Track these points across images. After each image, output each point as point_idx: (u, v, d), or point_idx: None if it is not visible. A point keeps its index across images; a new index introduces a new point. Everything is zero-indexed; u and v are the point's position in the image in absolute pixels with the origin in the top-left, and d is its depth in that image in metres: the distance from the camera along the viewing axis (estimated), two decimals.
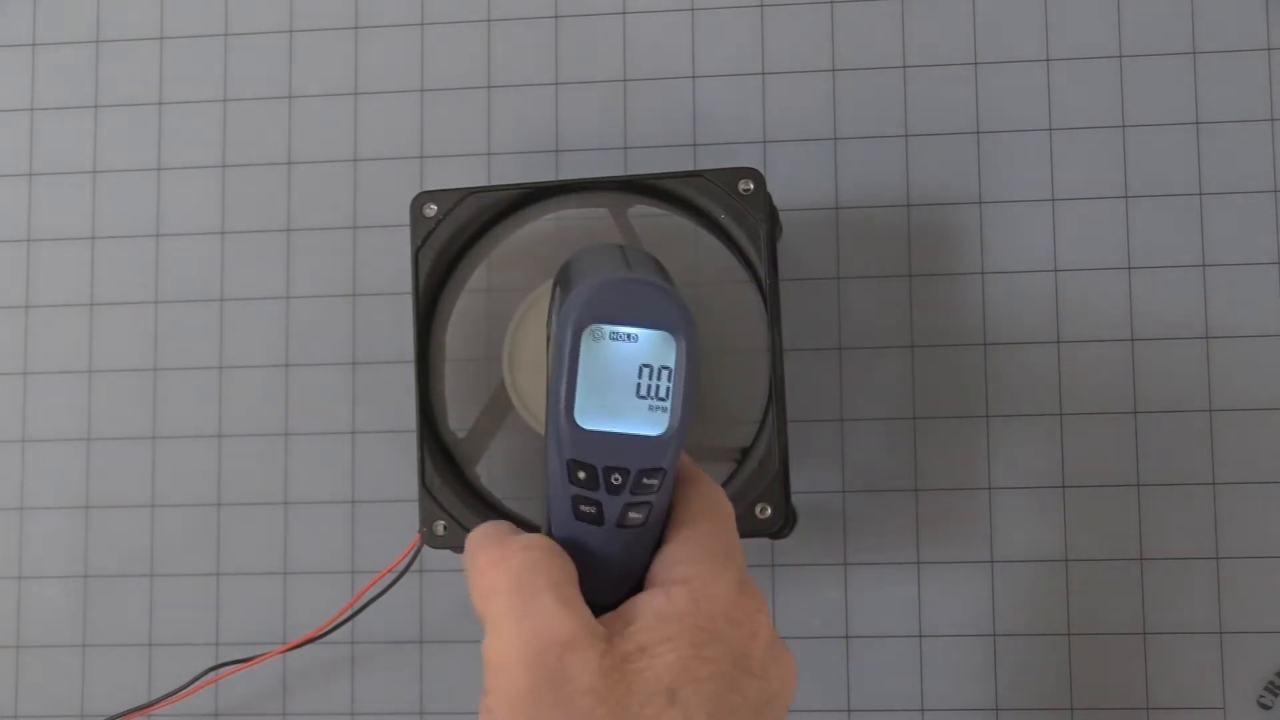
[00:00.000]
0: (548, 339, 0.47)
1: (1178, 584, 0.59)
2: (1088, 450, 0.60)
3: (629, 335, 0.42)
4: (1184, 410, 0.60)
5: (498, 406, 0.56)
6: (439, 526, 0.55)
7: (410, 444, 0.57)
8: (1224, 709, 0.58)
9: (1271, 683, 0.58)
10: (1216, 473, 0.59)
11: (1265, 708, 0.58)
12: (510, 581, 0.42)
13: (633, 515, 0.43)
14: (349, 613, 0.60)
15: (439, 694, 0.62)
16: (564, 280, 0.45)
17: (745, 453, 0.54)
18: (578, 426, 0.42)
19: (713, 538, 0.44)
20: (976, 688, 0.60)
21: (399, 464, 0.62)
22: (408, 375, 0.58)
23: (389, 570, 0.58)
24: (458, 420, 0.57)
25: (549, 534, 0.44)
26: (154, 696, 0.62)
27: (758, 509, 0.54)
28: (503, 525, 0.45)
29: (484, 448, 0.56)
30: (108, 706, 0.63)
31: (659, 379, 0.42)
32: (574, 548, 0.43)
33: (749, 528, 0.54)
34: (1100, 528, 0.60)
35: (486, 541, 0.44)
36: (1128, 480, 0.60)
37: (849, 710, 0.60)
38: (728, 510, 0.45)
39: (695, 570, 0.43)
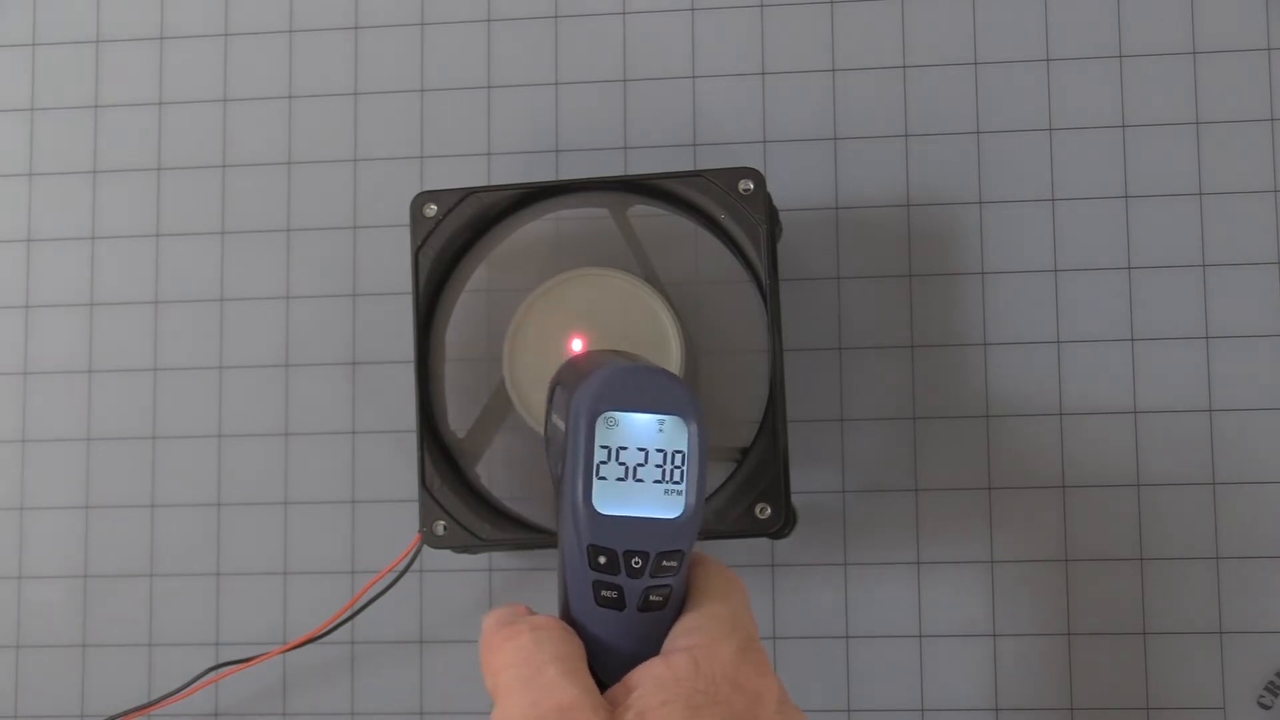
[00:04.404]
0: (545, 436, 0.49)
1: (1178, 584, 0.59)
2: (1087, 450, 0.60)
3: (642, 421, 0.44)
4: (1184, 410, 0.60)
5: (498, 406, 0.56)
6: (439, 526, 0.55)
7: (410, 444, 0.57)
8: (1224, 709, 0.58)
9: (1271, 683, 0.58)
10: (1216, 473, 0.59)
11: (1265, 708, 0.58)
12: (519, 656, 0.43)
13: (654, 598, 0.44)
14: (349, 613, 0.60)
15: (439, 694, 0.62)
16: (568, 376, 0.47)
17: (745, 453, 0.54)
18: (596, 513, 0.43)
19: (721, 610, 0.44)
20: (976, 688, 0.60)
21: (399, 464, 0.62)
22: (408, 375, 0.58)
23: (389, 570, 0.58)
24: (458, 420, 0.57)
25: (565, 617, 0.45)
26: (154, 696, 0.62)
27: (758, 509, 0.54)
28: (516, 608, 0.46)
29: (484, 448, 0.56)
30: (108, 706, 0.63)
31: (673, 463, 0.44)
32: (593, 631, 0.44)
33: (749, 528, 0.54)
34: (1100, 528, 0.60)
35: (498, 623, 0.45)
36: (1128, 480, 0.60)
37: (849, 710, 0.60)
38: (739, 587, 0.46)
39: (698, 638, 0.43)
